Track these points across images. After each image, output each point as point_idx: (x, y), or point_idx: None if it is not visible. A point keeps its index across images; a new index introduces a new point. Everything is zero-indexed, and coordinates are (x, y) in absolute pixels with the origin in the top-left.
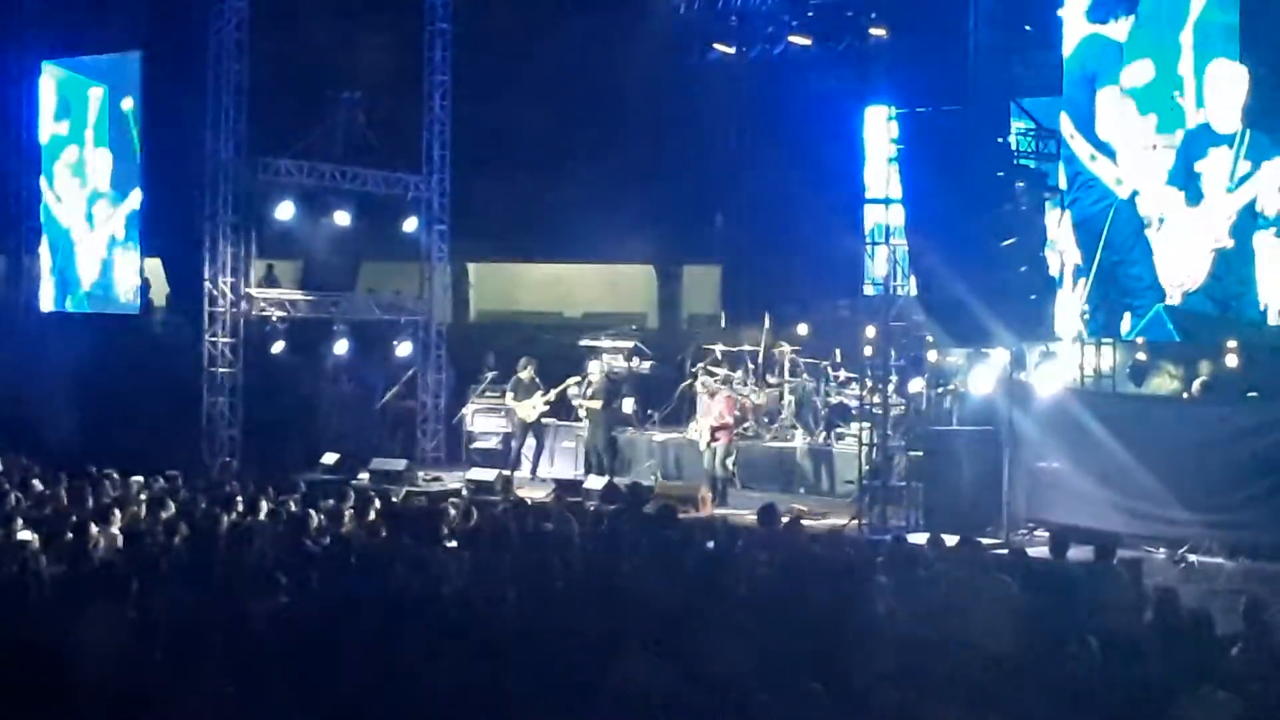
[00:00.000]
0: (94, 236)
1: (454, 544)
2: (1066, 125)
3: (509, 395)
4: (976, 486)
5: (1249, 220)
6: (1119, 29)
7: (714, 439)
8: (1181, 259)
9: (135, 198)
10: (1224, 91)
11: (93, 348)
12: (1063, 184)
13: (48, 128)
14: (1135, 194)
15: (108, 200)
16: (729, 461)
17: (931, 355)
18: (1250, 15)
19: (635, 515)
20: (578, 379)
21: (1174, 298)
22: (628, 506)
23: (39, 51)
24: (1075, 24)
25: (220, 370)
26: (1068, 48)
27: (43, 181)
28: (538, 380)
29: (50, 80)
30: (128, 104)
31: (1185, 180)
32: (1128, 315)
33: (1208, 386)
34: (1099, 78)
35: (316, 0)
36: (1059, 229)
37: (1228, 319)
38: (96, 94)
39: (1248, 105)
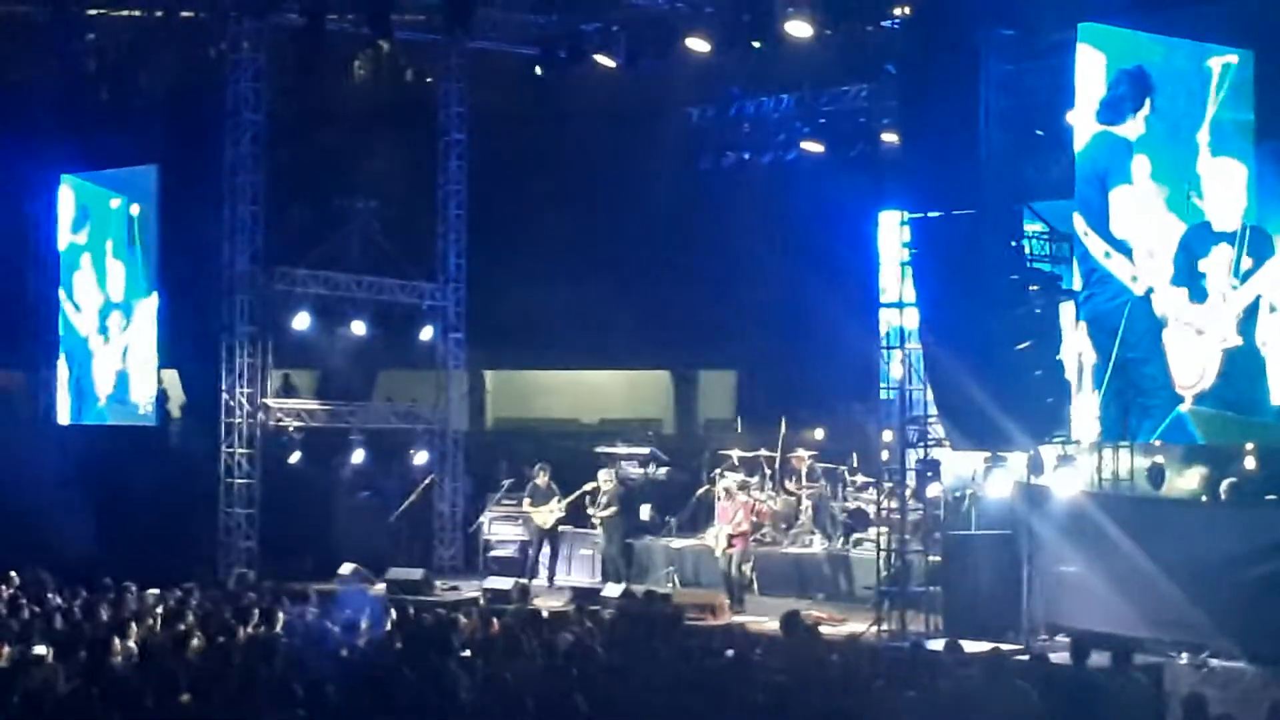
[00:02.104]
0: (109, 348)
1: (468, 654)
2: (1079, 223)
3: (526, 501)
4: (996, 591)
5: (1255, 317)
6: (1129, 129)
7: (731, 545)
8: (1191, 360)
9: (148, 307)
10: (1223, 188)
11: (110, 460)
12: (1077, 282)
13: (65, 237)
14: (1150, 291)
15: (121, 311)
16: (746, 567)
17: (948, 459)
18: (1265, 110)
19: (651, 623)
20: (593, 486)
21: (1186, 401)
22: (644, 615)
23: (57, 165)
24: (1085, 123)
25: (237, 481)
26: (1077, 145)
27: (60, 292)
28: (554, 486)
29: (69, 190)
30: (137, 211)
31: (1189, 278)
32: (1140, 413)
33: (1235, 488)
34: (1111, 175)
35: (330, 111)
36: (1075, 330)
37: (1249, 422)
38: (116, 204)
39: (1249, 204)
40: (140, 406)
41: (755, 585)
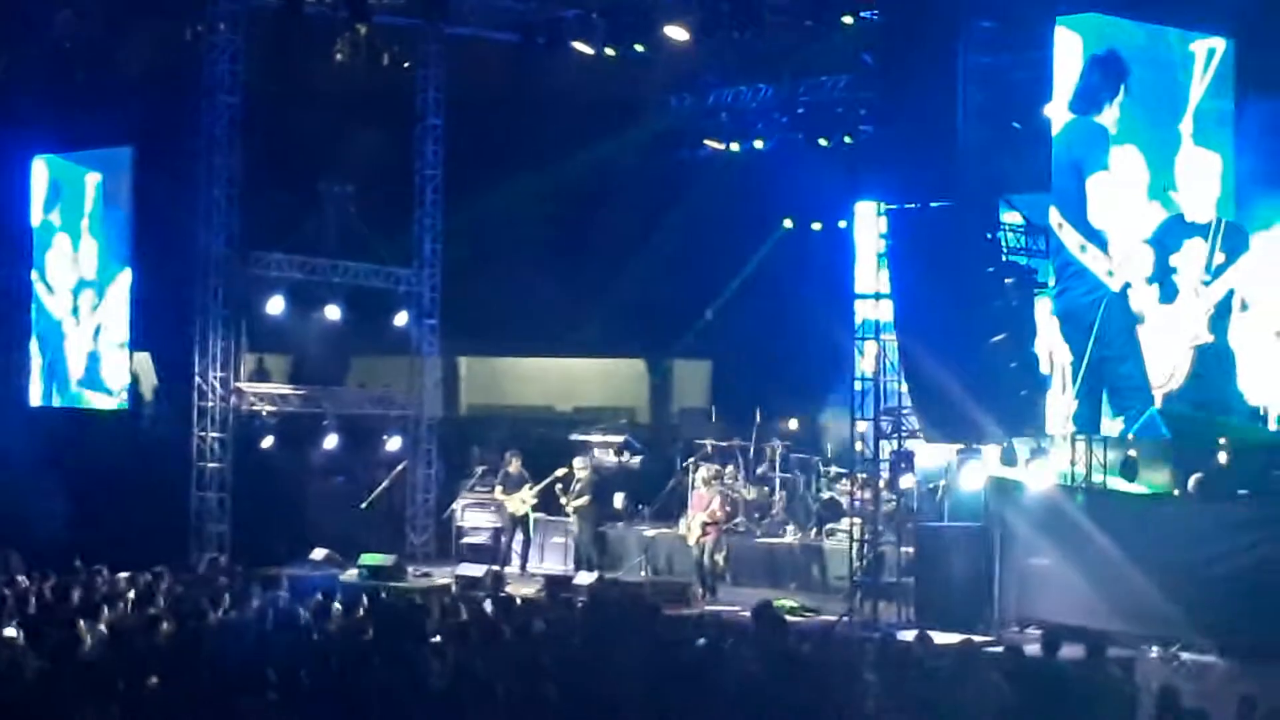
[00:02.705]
0: (81, 329)
1: (439, 640)
2: (1055, 216)
3: (498, 489)
4: (968, 583)
5: (1227, 314)
6: (1107, 117)
7: (704, 534)
8: (1162, 358)
9: (119, 287)
10: (1199, 179)
11: (81, 443)
12: (1050, 278)
13: (38, 215)
14: (1128, 286)
15: (94, 290)
16: (719, 557)
17: (922, 451)
18: (1245, 99)
19: (623, 612)
20: (564, 472)
21: (1157, 400)
22: (617, 603)
23: (32, 146)
24: (1061, 110)
25: (209, 465)
26: (1055, 132)
27: (34, 274)
28: (525, 473)
29: (42, 165)
30: (114, 190)
31: (1159, 275)
32: (1115, 412)
33: (1202, 484)
34: (1086, 164)
35: (307, 95)
36: (1047, 324)
37: (1220, 421)
38: (93, 180)
39: (1223, 195)
40: (113, 390)
41: (728, 574)
